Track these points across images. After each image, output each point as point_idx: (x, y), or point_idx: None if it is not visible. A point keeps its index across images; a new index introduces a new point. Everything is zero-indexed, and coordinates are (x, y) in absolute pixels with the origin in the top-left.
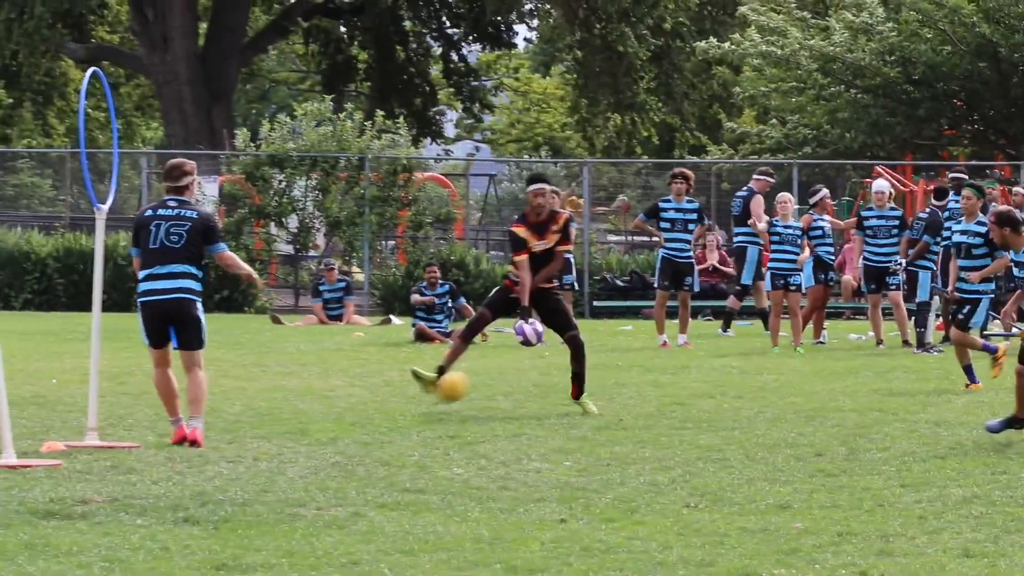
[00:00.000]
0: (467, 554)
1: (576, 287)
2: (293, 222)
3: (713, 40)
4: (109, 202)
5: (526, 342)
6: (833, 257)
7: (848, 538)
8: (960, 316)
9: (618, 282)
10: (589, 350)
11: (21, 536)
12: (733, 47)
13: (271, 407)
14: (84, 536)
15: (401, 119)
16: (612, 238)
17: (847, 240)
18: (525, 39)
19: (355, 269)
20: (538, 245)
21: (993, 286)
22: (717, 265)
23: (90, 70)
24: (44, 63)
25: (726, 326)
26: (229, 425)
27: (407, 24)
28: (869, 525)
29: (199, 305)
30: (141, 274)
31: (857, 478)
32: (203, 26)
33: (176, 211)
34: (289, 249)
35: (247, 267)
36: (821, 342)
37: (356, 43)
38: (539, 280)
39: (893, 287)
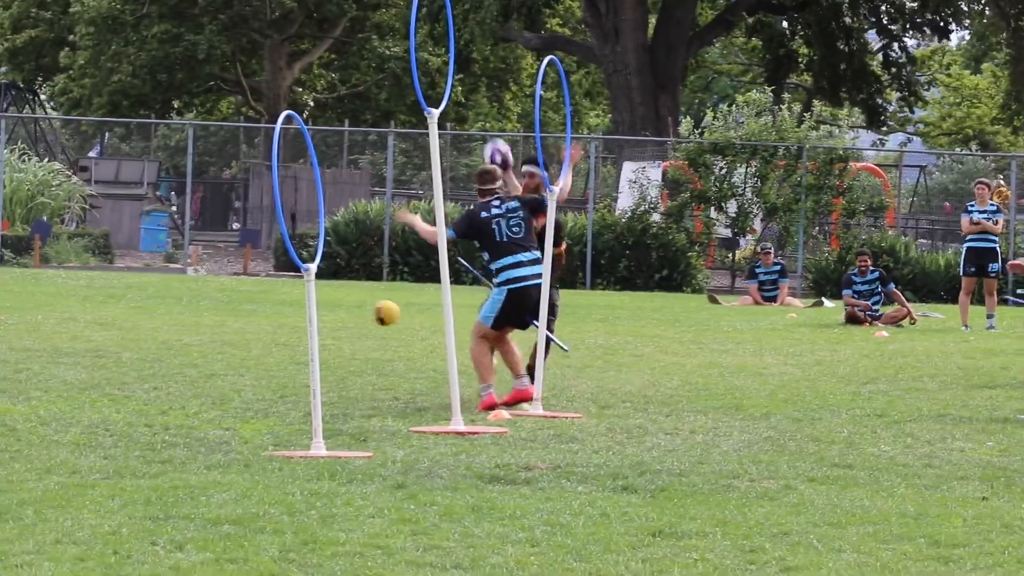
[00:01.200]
0: (892, 528)
1: (1001, 275)
2: (732, 207)
3: None
4: (560, 184)
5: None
6: None
7: None
8: None
9: None
10: (1013, 337)
11: (468, 499)
12: None
13: (707, 383)
14: (527, 501)
15: (846, 110)
16: None
17: None
18: (959, 36)
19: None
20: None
21: None
22: None
23: (547, 58)
24: (499, 51)
25: None
26: (667, 399)
27: (847, 20)
28: None
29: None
30: (503, 262)
31: None
32: (652, 19)
33: (503, 206)
34: (727, 232)
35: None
36: None
37: (798, 37)
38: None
39: None
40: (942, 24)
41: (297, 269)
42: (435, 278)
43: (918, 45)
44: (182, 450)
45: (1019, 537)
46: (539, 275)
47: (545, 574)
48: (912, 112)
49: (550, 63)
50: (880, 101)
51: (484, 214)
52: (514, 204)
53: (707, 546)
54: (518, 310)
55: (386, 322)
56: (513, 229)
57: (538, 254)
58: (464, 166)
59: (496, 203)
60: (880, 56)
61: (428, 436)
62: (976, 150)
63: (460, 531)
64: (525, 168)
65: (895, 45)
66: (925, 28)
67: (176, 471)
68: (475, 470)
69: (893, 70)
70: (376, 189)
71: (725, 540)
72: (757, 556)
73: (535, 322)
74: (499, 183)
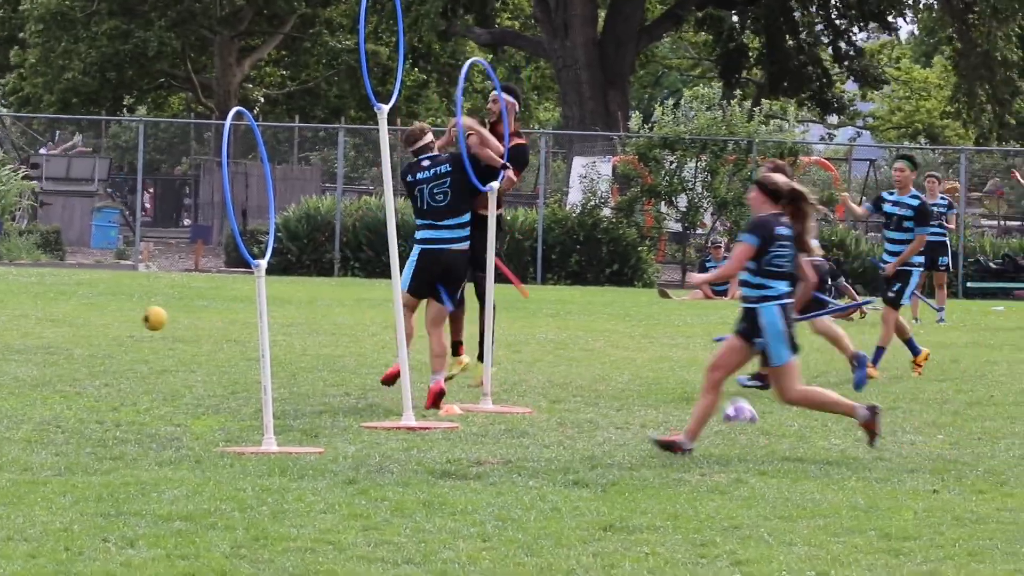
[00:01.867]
0: (843, 521)
1: (951, 268)
2: (682, 201)
3: None
4: (498, 182)
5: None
6: None
7: None
8: (891, 293)
9: (991, 264)
10: (963, 330)
11: (419, 494)
12: None
13: (658, 377)
14: (478, 496)
15: (794, 104)
16: (986, 222)
17: None
18: (908, 30)
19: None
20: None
21: (922, 259)
22: None
23: (469, 61)
24: (449, 45)
25: None
26: (618, 393)
27: (796, 15)
28: None
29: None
30: (420, 222)
31: None
32: (601, 14)
33: (431, 170)
34: (678, 227)
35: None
36: None
37: (747, 31)
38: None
39: None
40: (886, 16)
41: (248, 265)
42: (386, 273)
43: (867, 39)
44: (133, 446)
45: (969, 530)
46: (455, 241)
47: (496, 569)
48: (877, 90)
49: (474, 64)
50: (831, 93)
51: (410, 178)
52: (445, 168)
53: (658, 540)
54: (430, 274)
55: (152, 325)
56: (437, 197)
57: (462, 220)
58: None
59: (426, 163)
60: (830, 50)
61: (379, 432)
62: (925, 144)
63: (411, 526)
64: (494, 94)
65: (843, 39)
66: (870, 22)
67: (127, 467)
68: (426, 465)
69: (845, 63)
70: (327, 185)
71: (676, 534)
72: (708, 550)
73: (444, 292)
74: (427, 139)
